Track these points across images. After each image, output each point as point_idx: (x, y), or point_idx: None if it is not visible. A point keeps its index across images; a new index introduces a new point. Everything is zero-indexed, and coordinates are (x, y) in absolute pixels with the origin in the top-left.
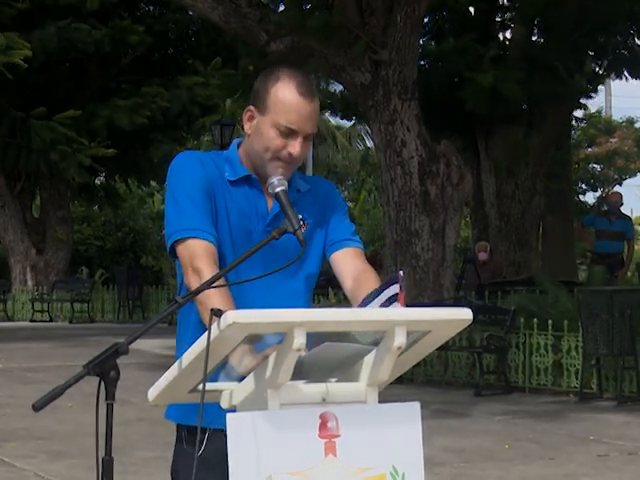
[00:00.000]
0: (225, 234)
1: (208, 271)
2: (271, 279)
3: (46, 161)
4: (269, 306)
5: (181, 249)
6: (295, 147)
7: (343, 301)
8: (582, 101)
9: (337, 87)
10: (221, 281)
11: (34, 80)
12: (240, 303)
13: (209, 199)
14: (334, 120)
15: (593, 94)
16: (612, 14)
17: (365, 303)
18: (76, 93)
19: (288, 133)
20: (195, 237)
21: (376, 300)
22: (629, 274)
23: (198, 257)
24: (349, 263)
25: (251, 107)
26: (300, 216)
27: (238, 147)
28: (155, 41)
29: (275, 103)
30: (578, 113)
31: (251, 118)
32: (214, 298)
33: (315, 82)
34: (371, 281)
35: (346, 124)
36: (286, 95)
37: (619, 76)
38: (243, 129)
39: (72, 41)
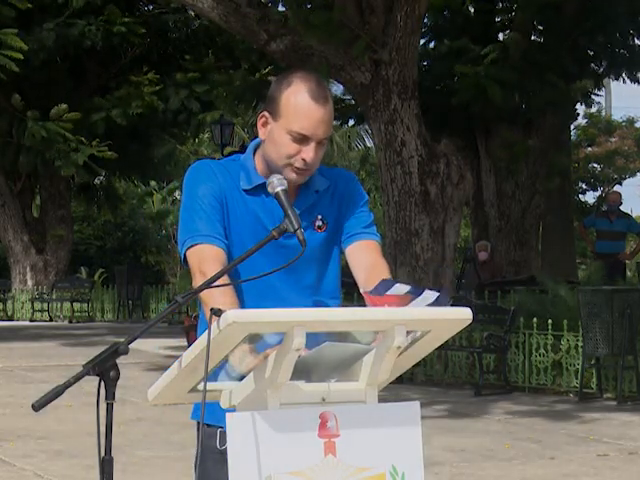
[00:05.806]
0: (238, 243)
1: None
2: (286, 279)
3: (43, 160)
4: (284, 306)
5: (190, 255)
6: (309, 153)
7: (344, 301)
8: (582, 102)
9: (336, 89)
10: (227, 281)
11: (33, 79)
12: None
13: (221, 208)
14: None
15: (592, 98)
16: (612, 14)
17: (381, 287)
18: (75, 92)
19: (301, 139)
20: (205, 243)
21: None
22: (629, 273)
23: (206, 261)
24: (361, 256)
25: (265, 113)
26: (320, 216)
27: (254, 151)
28: (154, 40)
29: (287, 109)
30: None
31: (265, 124)
32: (217, 297)
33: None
34: (382, 274)
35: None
36: (298, 100)
37: (618, 78)
38: (257, 134)
39: (68, 37)
